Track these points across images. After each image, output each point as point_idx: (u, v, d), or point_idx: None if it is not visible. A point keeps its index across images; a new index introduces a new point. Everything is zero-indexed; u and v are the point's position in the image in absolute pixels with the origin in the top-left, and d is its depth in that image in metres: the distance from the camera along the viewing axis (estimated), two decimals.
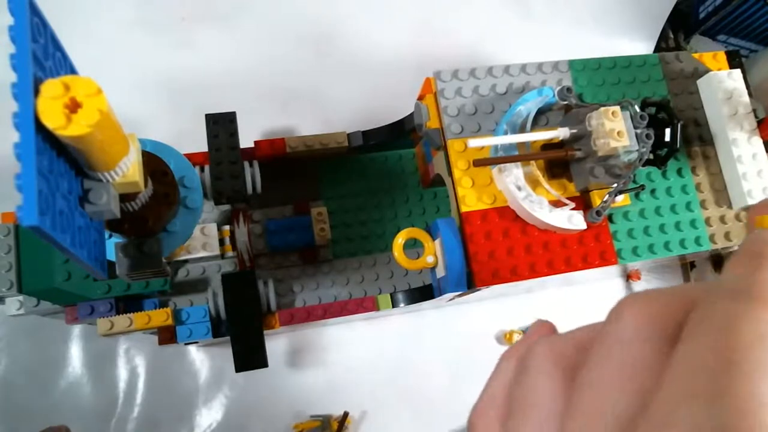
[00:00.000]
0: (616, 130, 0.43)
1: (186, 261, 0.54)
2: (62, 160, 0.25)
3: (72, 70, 0.28)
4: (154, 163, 0.37)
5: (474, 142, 0.45)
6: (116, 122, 0.25)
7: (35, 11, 0.23)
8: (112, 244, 0.37)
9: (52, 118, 0.22)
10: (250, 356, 0.49)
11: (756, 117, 0.52)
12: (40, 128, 0.22)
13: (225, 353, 0.53)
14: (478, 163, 0.45)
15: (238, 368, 0.49)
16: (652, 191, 0.50)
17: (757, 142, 0.51)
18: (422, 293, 0.53)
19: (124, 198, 0.33)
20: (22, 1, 0.22)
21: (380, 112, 0.62)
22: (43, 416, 0.58)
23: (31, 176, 0.20)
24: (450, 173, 0.48)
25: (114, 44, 0.68)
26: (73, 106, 0.22)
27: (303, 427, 0.60)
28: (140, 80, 0.66)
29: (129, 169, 0.30)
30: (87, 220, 0.29)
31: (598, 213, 0.46)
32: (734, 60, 0.55)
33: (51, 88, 0.22)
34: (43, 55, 0.24)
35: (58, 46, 0.26)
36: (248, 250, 0.55)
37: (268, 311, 0.52)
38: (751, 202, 0.50)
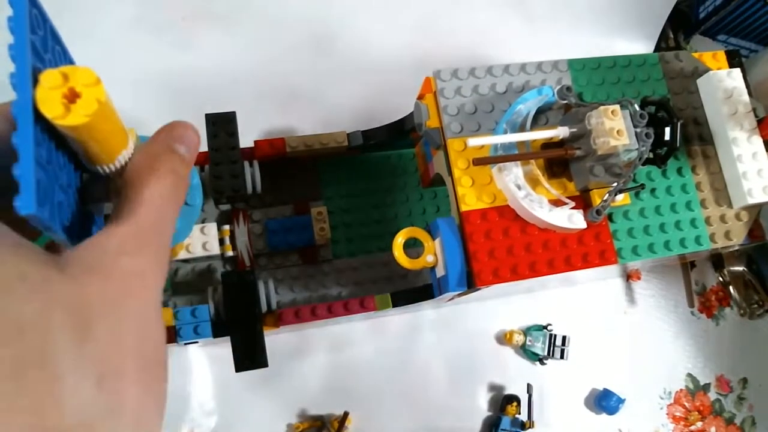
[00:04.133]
0: (615, 128, 0.43)
1: (186, 261, 0.54)
2: (61, 153, 0.25)
3: (71, 64, 0.27)
4: None
5: (474, 141, 0.45)
6: (115, 113, 0.25)
7: (34, 3, 0.23)
8: None
9: (51, 108, 0.22)
10: (250, 356, 0.49)
11: (756, 116, 0.52)
12: (39, 119, 0.22)
13: (225, 353, 0.52)
14: (478, 162, 0.45)
15: (238, 368, 0.48)
16: (652, 190, 0.50)
17: (757, 141, 0.51)
18: (422, 293, 0.52)
19: None
20: None
21: (380, 112, 0.62)
22: None
23: (29, 165, 0.20)
24: (450, 172, 0.48)
25: (114, 44, 0.68)
26: (72, 96, 0.22)
27: (303, 427, 0.59)
28: (140, 80, 0.66)
29: None
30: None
31: (598, 212, 0.46)
32: (734, 59, 0.55)
33: (49, 78, 0.22)
34: (42, 47, 0.23)
35: (57, 40, 0.26)
36: (248, 249, 0.55)
37: (268, 311, 0.52)
38: (751, 201, 0.50)
